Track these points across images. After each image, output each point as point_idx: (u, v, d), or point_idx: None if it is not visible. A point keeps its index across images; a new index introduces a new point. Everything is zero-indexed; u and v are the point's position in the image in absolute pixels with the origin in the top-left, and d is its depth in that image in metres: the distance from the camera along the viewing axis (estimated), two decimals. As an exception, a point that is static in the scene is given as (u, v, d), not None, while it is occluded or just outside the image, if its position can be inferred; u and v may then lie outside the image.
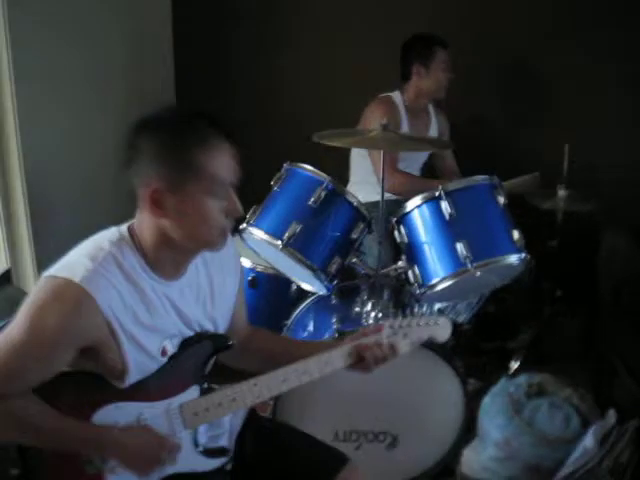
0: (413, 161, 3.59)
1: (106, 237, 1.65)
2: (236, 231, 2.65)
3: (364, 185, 3.40)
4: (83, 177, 3.44)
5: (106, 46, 3.57)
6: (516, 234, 2.61)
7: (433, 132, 3.65)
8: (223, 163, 1.62)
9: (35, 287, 1.58)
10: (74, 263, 1.58)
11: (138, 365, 1.63)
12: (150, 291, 1.64)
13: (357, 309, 2.76)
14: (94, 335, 1.56)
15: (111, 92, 3.66)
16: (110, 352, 1.59)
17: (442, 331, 1.97)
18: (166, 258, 1.66)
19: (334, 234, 2.63)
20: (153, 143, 1.59)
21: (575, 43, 3.80)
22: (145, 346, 1.64)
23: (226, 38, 4.18)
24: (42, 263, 3.12)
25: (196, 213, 1.61)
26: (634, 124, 3.83)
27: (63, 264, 1.60)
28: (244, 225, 2.67)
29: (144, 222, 1.64)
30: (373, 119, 3.26)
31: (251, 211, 2.68)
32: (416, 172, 3.65)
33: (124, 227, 1.68)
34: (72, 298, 1.53)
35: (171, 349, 1.70)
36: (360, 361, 1.86)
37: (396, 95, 3.52)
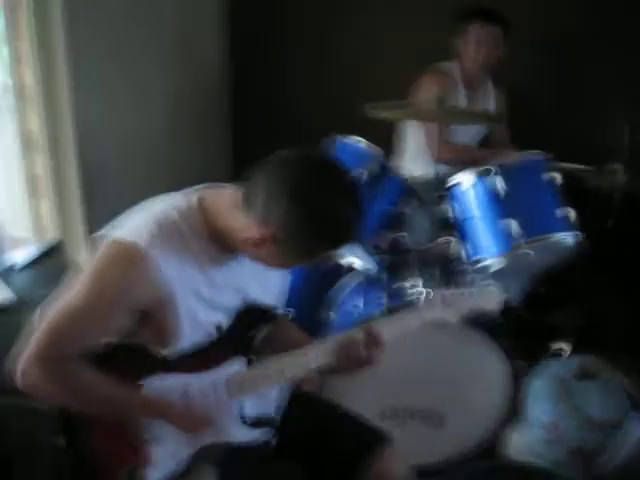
0: (467, 134, 3.52)
1: (175, 205, 1.64)
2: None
3: (416, 158, 3.35)
4: (136, 149, 3.47)
5: (161, 16, 3.58)
6: (570, 213, 2.55)
7: (490, 107, 3.57)
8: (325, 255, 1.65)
9: (100, 249, 1.59)
10: (140, 227, 1.58)
11: (189, 335, 1.64)
12: (212, 265, 1.64)
13: (406, 284, 2.73)
14: (153, 300, 1.57)
15: (165, 63, 3.68)
16: (164, 319, 1.60)
17: (492, 300, 1.93)
18: (233, 241, 1.64)
19: (384, 209, 2.61)
20: (295, 214, 1.52)
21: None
22: (200, 318, 1.64)
23: (281, 9, 4.16)
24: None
25: (286, 262, 1.64)
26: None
27: (129, 227, 1.60)
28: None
29: (234, 210, 1.59)
30: (427, 90, 3.23)
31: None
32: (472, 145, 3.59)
33: (194, 197, 1.66)
34: (134, 261, 1.54)
35: (225, 323, 1.70)
36: (344, 358, 1.77)
37: (453, 65, 3.44)
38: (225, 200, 1.64)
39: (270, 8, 4.16)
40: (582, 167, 3.28)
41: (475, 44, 3.34)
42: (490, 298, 1.93)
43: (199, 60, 4.03)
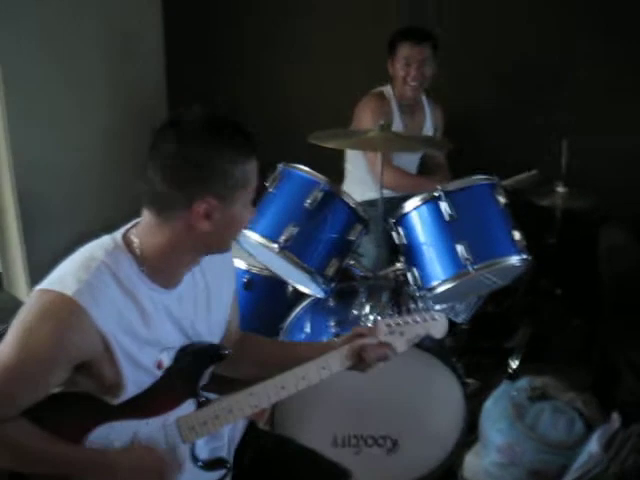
0: (407, 159, 3.53)
1: (99, 246, 1.59)
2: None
3: (360, 184, 3.36)
4: (73, 181, 3.40)
5: (92, 47, 3.51)
6: (517, 234, 2.57)
7: (427, 128, 3.57)
8: (255, 171, 1.62)
9: (27, 302, 1.52)
10: (66, 275, 1.52)
11: (134, 379, 1.58)
12: (146, 301, 1.59)
13: (355, 312, 2.72)
14: (88, 351, 1.51)
15: (102, 95, 3.61)
16: (105, 367, 1.54)
17: (439, 327, 1.93)
18: (167, 266, 1.61)
19: (331, 236, 2.58)
20: (191, 156, 1.52)
21: (575, 36, 3.77)
22: (140, 360, 1.59)
23: (217, 35, 4.12)
24: (33, 267, 3.08)
25: (235, 222, 1.62)
26: (633, 119, 3.78)
27: (55, 276, 1.54)
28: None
29: (155, 228, 1.58)
30: (365, 116, 3.27)
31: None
32: (411, 169, 3.59)
33: (118, 234, 1.62)
34: (64, 313, 1.47)
35: (167, 362, 1.65)
36: (359, 362, 1.83)
37: (388, 90, 3.46)
38: (142, 226, 1.61)
39: (211, 34, 4.12)
40: (525, 175, 3.32)
41: (404, 64, 3.35)
42: (436, 324, 1.93)
43: (137, 90, 3.96)
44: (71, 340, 1.48)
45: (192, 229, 1.56)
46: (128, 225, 1.65)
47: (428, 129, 3.58)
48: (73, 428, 1.57)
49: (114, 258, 1.56)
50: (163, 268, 1.61)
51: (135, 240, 1.60)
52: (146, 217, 1.60)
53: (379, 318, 2.54)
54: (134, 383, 1.59)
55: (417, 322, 1.90)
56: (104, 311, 1.50)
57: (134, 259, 1.58)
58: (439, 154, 3.60)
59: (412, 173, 3.57)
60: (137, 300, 1.57)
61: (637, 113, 3.75)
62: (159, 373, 1.64)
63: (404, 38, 3.35)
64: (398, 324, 1.88)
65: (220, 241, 1.64)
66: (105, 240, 1.61)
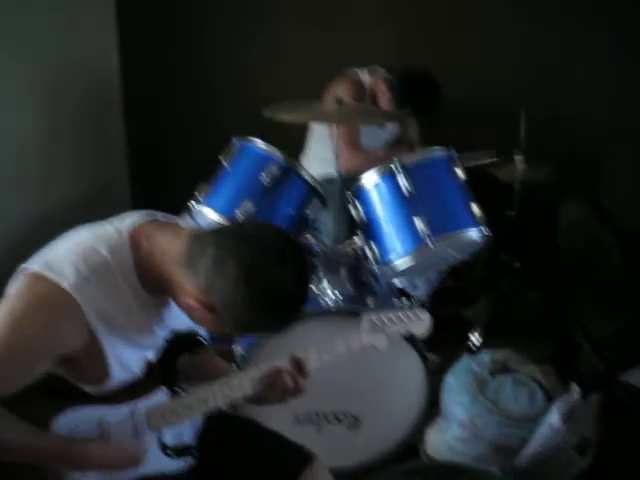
0: (375, 140, 3.48)
1: (102, 237, 1.53)
2: (185, 209, 2.58)
3: (320, 160, 3.30)
4: (16, 166, 3.28)
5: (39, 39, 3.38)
6: (475, 208, 2.56)
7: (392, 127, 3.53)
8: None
9: (19, 282, 1.48)
10: (63, 263, 1.47)
11: (119, 377, 1.57)
12: (139, 306, 1.55)
13: (314, 287, 2.69)
14: (77, 345, 1.47)
15: (49, 77, 3.48)
16: (91, 363, 1.52)
17: (422, 326, 1.94)
18: (159, 285, 1.55)
19: (288, 212, 2.56)
20: (241, 298, 1.46)
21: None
22: (127, 361, 1.57)
23: (171, 6, 4.03)
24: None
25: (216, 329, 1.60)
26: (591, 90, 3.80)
27: (49, 260, 1.49)
28: (194, 204, 2.57)
29: (168, 261, 1.51)
30: (334, 93, 3.14)
31: (200, 189, 2.60)
32: (378, 147, 3.54)
33: (124, 228, 1.55)
34: (58, 305, 1.44)
35: (152, 357, 1.65)
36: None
37: (365, 78, 3.38)
38: (163, 242, 1.54)
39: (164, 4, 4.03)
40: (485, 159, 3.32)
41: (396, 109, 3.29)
42: (420, 324, 1.93)
43: (82, 54, 3.81)
44: (60, 334, 1.45)
45: (181, 290, 1.51)
46: (141, 219, 1.58)
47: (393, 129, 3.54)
48: (41, 410, 1.52)
49: (115, 256, 1.51)
50: (159, 285, 1.55)
51: (145, 246, 1.54)
52: (173, 238, 1.54)
53: (337, 294, 2.58)
54: (118, 381, 1.57)
55: (401, 320, 1.89)
56: (98, 308, 1.47)
57: (134, 261, 1.52)
58: (413, 134, 3.57)
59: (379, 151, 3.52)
60: (130, 303, 1.53)
61: (596, 87, 3.78)
62: (144, 369, 1.63)
63: (414, 108, 3.30)
64: (382, 321, 1.86)
65: (193, 320, 1.59)
66: (109, 231, 1.55)
